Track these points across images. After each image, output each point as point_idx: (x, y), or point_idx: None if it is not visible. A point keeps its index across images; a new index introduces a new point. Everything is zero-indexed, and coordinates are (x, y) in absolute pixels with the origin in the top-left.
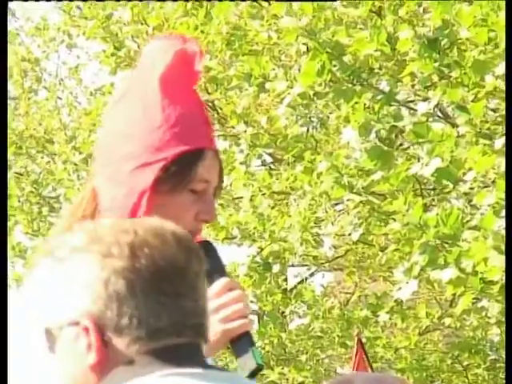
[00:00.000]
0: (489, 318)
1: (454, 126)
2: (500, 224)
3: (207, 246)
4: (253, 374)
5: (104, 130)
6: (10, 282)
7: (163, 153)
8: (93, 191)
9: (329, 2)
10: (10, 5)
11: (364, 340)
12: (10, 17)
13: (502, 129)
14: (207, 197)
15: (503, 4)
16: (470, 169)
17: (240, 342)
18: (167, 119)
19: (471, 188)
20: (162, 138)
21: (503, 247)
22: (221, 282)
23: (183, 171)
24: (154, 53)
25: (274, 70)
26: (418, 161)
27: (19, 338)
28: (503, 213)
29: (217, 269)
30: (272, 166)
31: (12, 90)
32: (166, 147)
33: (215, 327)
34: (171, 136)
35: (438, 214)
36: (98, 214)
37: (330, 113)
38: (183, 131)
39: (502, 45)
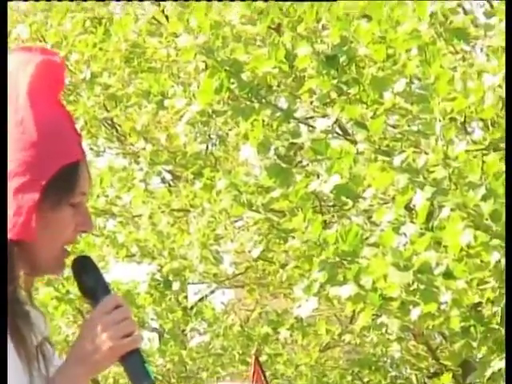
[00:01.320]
0: (389, 334)
1: (353, 142)
2: (399, 241)
3: (86, 262)
4: None
5: None
6: None
7: (43, 169)
8: None
9: (227, 19)
10: None
11: (265, 357)
12: None
13: (400, 145)
14: (83, 208)
15: (404, 18)
16: (369, 185)
17: (131, 359)
18: (41, 134)
19: (371, 205)
20: (40, 153)
21: (402, 264)
22: (108, 300)
23: (64, 186)
24: (15, 66)
25: (172, 87)
26: (318, 178)
27: None
28: (402, 229)
29: (99, 285)
30: (171, 184)
31: None
32: (45, 163)
33: (105, 345)
34: (48, 151)
35: (337, 231)
36: None
37: (230, 130)
38: (58, 145)
39: (401, 61)
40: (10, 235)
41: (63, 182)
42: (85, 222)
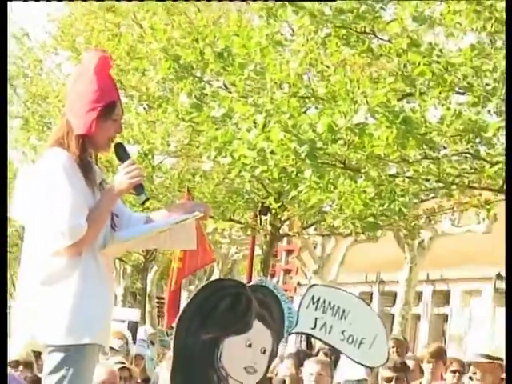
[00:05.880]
0: None
1: None
2: None
3: (120, 145)
4: (144, 203)
5: (69, 94)
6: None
7: (100, 102)
8: (66, 123)
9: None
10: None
11: None
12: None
13: None
14: (118, 122)
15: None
16: None
17: (138, 187)
18: (99, 87)
19: None
20: (98, 96)
21: None
22: (128, 161)
23: (109, 110)
24: (89, 57)
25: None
26: None
27: None
28: None
29: (126, 155)
30: None
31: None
32: (100, 100)
33: (126, 181)
34: (101, 94)
35: None
36: (71, 132)
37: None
38: (106, 92)
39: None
40: (81, 131)
41: (108, 108)
42: (118, 128)
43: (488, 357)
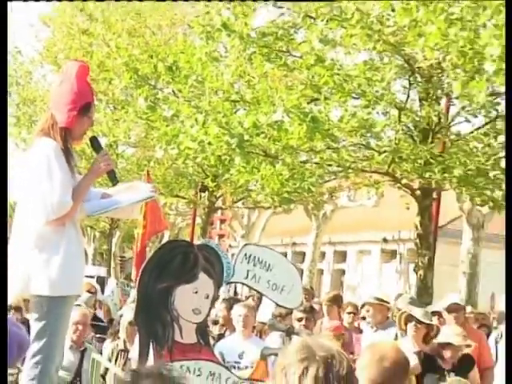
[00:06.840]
0: None
1: None
2: None
3: (95, 138)
4: (114, 185)
5: (54, 94)
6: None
7: (79, 102)
8: (51, 117)
9: (133, 52)
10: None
11: None
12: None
13: None
14: (91, 118)
15: None
16: None
17: (111, 174)
18: (78, 90)
19: None
20: (77, 97)
21: None
22: (101, 152)
23: (85, 109)
24: (70, 66)
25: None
26: None
27: None
28: None
29: (99, 146)
30: None
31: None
32: (79, 100)
33: (102, 168)
34: (80, 96)
35: None
36: (55, 124)
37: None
38: (84, 94)
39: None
40: (64, 124)
41: (85, 107)
42: (91, 124)
43: (378, 299)
